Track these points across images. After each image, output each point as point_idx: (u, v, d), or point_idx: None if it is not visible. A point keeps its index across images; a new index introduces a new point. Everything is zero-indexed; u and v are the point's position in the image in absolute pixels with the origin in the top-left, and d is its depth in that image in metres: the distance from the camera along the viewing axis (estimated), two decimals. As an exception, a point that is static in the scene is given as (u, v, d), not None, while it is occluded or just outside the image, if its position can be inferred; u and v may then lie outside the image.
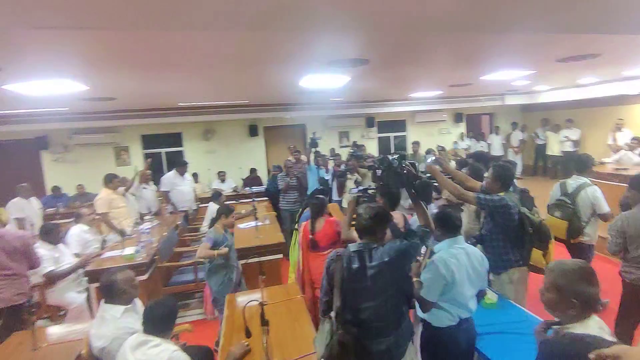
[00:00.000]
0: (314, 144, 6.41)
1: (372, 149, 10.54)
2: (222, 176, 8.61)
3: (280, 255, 4.38)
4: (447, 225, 2.31)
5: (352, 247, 2.08)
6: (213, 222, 3.86)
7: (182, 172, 6.56)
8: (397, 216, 3.03)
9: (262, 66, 3.75)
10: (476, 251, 2.34)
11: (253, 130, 9.65)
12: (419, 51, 3.51)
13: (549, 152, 9.98)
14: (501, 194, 2.82)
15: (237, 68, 3.78)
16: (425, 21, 2.11)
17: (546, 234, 2.79)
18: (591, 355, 0.99)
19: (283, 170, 6.45)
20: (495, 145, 10.64)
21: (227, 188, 8.38)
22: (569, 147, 9.20)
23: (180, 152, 9.53)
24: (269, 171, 9.78)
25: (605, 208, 3.55)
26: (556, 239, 3.52)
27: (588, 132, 9.28)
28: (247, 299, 2.94)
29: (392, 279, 1.99)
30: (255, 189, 7.98)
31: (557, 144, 9.59)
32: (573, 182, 3.74)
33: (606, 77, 7.09)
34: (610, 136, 7.66)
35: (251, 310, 2.48)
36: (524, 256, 2.84)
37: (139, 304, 2.57)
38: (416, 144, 8.30)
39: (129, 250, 4.19)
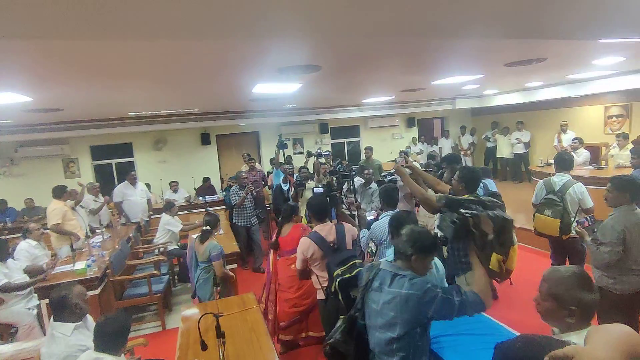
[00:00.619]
0: (283, 145, 6.35)
1: (327, 154, 10.71)
2: (174, 186, 8.37)
3: (235, 265, 4.36)
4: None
5: (385, 264, 1.98)
6: (205, 234, 3.75)
7: (132, 182, 6.33)
8: (326, 228, 3.02)
9: (212, 74, 3.74)
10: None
11: (205, 139, 9.48)
12: (370, 57, 3.65)
13: (499, 154, 10.52)
14: (466, 196, 2.79)
15: (187, 77, 3.75)
16: (376, 27, 2.24)
17: (509, 240, 2.65)
18: (546, 358, 0.97)
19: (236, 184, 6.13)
20: (446, 149, 11.12)
21: (179, 198, 8.16)
22: (520, 149, 9.85)
23: (131, 162, 9.17)
24: (222, 180, 9.67)
25: (590, 203, 3.71)
26: (547, 236, 3.71)
27: (536, 134, 9.97)
28: (202, 310, 2.92)
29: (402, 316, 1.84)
30: (208, 198, 7.85)
31: (507, 147, 10.15)
32: (557, 179, 3.89)
33: (551, 80, 7.67)
34: (555, 138, 8.39)
35: (207, 323, 2.47)
36: (483, 260, 2.69)
37: (90, 320, 2.49)
38: (369, 149, 8.47)
39: (80, 265, 4.11)
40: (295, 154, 10.33)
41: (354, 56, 3.52)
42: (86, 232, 5.29)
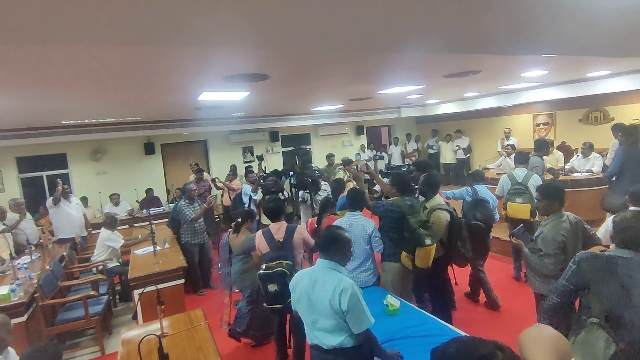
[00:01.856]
0: (260, 157, 7.00)
1: (277, 163, 10.64)
2: (115, 199, 7.86)
3: (182, 281, 4.15)
4: None
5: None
6: (238, 226, 3.86)
7: (65, 196, 5.85)
8: (276, 226, 3.30)
9: (152, 82, 3.58)
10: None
11: (149, 148, 9.02)
12: (319, 67, 3.69)
13: (442, 160, 11.02)
14: (393, 199, 3.25)
15: (127, 84, 3.55)
16: (322, 40, 2.25)
17: (417, 241, 3.07)
18: None
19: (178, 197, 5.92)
20: (395, 155, 11.52)
21: (121, 212, 7.68)
22: (461, 155, 10.41)
23: (66, 174, 8.47)
24: (168, 191, 9.25)
25: None
26: (519, 221, 4.14)
27: (475, 141, 10.62)
28: (144, 332, 2.74)
29: None
30: (153, 211, 7.45)
31: (449, 153, 10.71)
32: (519, 172, 4.54)
33: (486, 91, 8.26)
34: (499, 143, 8.97)
35: (149, 345, 2.31)
36: (397, 254, 3.28)
37: (12, 354, 2.22)
38: (331, 155, 8.41)
39: (3, 290, 3.66)
40: (245, 162, 10.14)
41: (302, 66, 3.54)
42: (10, 253, 4.76)
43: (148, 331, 2.74)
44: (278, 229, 3.24)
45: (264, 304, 3.01)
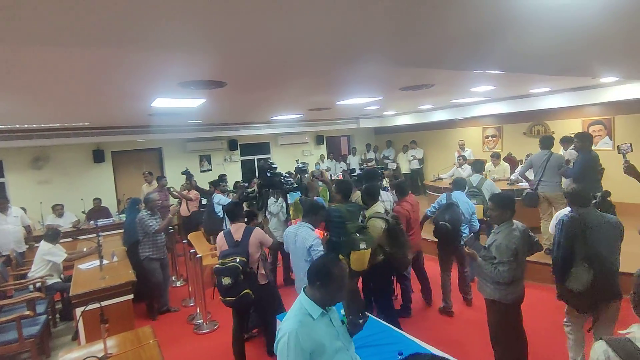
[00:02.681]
0: (187, 172, 6.98)
1: (235, 172, 10.46)
2: (58, 210, 7.30)
3: (131, 296, 3.92)
4: None
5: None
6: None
7: (2, 208, 5.38)
8: (236, 227, 3.54)
9: (102, 87, 3.39)
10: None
11: (98, 156, 8.53)
12: (277, 76, 3.67)
13: (401, 170, 11.23)
14: (336, 205, 3.50)
15: (70, 88, 3.34)
16: (279, 50, 2.23)
17: (352, 245, 3.22)
18: None
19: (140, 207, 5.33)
20: (353, 165, 11.67)
21: (65, 223, 7.15)
22: (415, 165, 10.73)
23: (1, 183, 7.80)
24: (119, 201, 8.77)
25: (498, 190, 4.83)
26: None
27: (429, 152, 11.03)
28: (85, 353, 2.54)
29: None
30: (101, 222, 7.03)
31: (405, 163, 11.03)
32: (474, 178, 5.21)
33: (440, 104, 8.62)
34: (456, 154, 9.30)
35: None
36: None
37: None
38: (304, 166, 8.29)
39: None
40: (202, 171, 9.87)
41: (261, 74, 3.51)
42: None
43: (90, 353, 2.55)
44: (237, 229, 3.45)
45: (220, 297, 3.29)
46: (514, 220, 2.85)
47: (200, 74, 3.25)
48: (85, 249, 5.15)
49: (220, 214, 5.82)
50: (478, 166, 5.55)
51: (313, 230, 3.26)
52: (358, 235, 3.22)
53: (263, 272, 3.52)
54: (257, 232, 3.49)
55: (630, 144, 3.33)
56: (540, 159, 5.16)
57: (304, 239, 3.17)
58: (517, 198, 5.27)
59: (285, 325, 1.76)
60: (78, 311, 3.72)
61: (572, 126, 7.59)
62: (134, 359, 2.51)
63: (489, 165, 7.19)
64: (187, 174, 7.35)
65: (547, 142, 5.28)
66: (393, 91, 5.42)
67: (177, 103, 4.59)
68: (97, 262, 4.35)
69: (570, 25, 1.81)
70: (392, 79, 4.43)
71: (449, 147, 10.26)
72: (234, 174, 10.40)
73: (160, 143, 9.34)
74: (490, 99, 7.92)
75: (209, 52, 2.55)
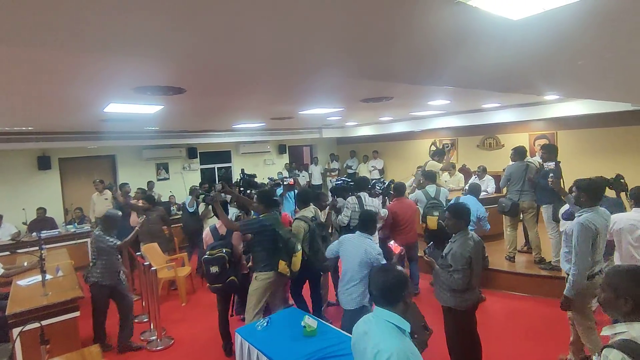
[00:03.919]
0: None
1: (194, 180, 10.16)
2: (-5, 221, 6.73)
3: (77, 314, 3.66)
4: None
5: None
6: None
7: None
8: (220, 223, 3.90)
9: (48, 90, 3.19)
10: None
11: (44, 163, 7.94)
12: (238, 84, 3.62)
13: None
14: (263, 215, 3.66)
15: (9, 90, 3.11)
16: (239, 58, 2.20)
17: (290, 250, 3.53)
18: None
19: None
20: (315, 174, 11.72)
21: (3, 235, 6.59)
22: (376, 175, 10.93)
23: None
24: (66, 211, 8.24)
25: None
26: (433, 231, 4.83)
27: (389, 162, 11.30)
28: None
29: None
30: (45, 233, 6.55)
31: (366, 173, 11.16)
32: (430, 188, 5.21)
33: (399, 116, 8.88)
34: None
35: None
36: (273, 263, 3.52)
37: None
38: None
39: None
40: (158, 179, 9.49)
41: (221, 81, 3.44)
42: None
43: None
44: (222, 225, 3.82)
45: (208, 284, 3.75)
46: (470, 231, 2.97)
47: (157, 79, 3.15)
48: (25, 264, 4.76)
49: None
50: (431, 176, 5.51)
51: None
52: (293, 239, 3.58)
53: (244, 262, 3.97)
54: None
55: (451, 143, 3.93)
56: (519, 170, 5.30)
57: (369, 249, 3.18)
58: (492, 206, 5.65)
59: (387, 345, 1.56)
60: (15, 331, 3.42)
61: (520, 140, 8.08)
62: (79, 382, 2.33)
63: (445, 176, 7.47)
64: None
65: (521, 153, 5.41)
66: (354, 102, 5.52)
67: (132, 109, 4.40)
68: (39, 278, 4.02)
69: (516, 46, 1.93)
70: (353, 90, 4.51)
71: (408, 157, 10.59)
72: (193, 183, 10.08)
73: (114, 150, 8.90)
74: (446, 113, 8.29)
75: (163, 57, 2.47)
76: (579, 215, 2.88)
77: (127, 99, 3.82)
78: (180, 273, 5.50)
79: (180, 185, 9.52)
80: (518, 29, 1.57)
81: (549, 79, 3.23)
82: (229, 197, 4.84)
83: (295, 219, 4.09)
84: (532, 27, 1.60)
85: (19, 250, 5.77)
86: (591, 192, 2.87)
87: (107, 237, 4.02)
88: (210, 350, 4.01)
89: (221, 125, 8.61)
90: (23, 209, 7.23)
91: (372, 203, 4.68)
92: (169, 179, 9.79)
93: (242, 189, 5.31)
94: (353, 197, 4.65)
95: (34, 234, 6.66)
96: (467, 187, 5.52)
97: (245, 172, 5.70)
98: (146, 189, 7.48)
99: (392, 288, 1.68)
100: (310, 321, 2.89)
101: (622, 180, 3.96)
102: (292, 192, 6.00)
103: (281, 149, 12.07)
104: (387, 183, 5.31)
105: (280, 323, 3.13)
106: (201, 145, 10.08)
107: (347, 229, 4.43)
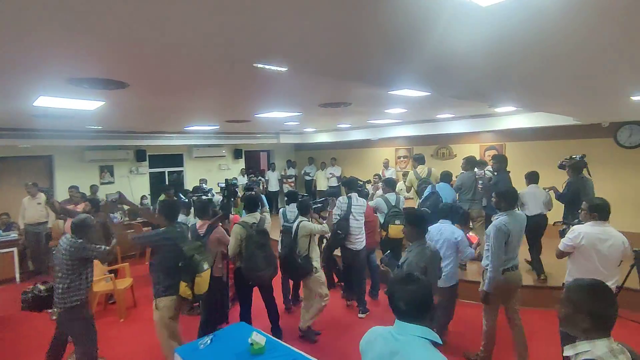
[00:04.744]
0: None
1: (142, 184, 9.58)
2: None
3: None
4: None
5: None
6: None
7: None
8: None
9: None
10: None
11: (-34, 162, 7.13)
12: (188, 82, 3.38)
13: (318, 187, 11.25)
14: (164, 228, 3.25)
15: None
16: (182, 46, 2.01)
17: (193, 268, 3.03)
18: None
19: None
20: (272, 181, 11.42)
21: None
22: (334, 183, 10.84)
23: None
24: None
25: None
26: (395, 240, 4.80)
27: (347, 170, 11.18)
28: None
29: None
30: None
31: (324, 180, 11.09)
32: (391, 196, 5.06)
33: (357, 124, 8.91)
34: (380, 172, 9.50)
35: None
36: (174, 285, 3.09)
37: None
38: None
39: None
40: (102, 183, 8.81)
41: (168, 76, 3.18)
42: None
43: None
44: (202, 225, 3.96)
45: None
46: (428, 241, 2.92)
47: (95, 70, 2.84)
48: None
49: None
50: (391, 184, 5.47)
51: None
52: (198, 256, 3.09)
53: (220, 266, 3.97)
54: (219, 230, 3.98)
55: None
56: (470, 179, 5.46)
57: (451, 232, 3.63)
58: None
59: None
60: None
61: (472, 150, 8.39)
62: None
63: (400, 184, 7.55)
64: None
65: (472, 163, 5.59)
66: (312, 107, 5.41)
67: (68, 104, 3.98)
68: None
69: (485, 36, 1.86)
70: (311, 94, 4.40)
71: (365, 165, 10.65)
72: (141, 187, 9.50)
73: (51, 150, 8.14)
74: (402, 122, 8.43)
75: (96, 41, 2.21)
76: (496, 219, 3.27)
77: (60, 92, 3.44)
78: (120, 285, 5.05)
79: (126, 189, 8.91)
80: (488, 16, 1.49)
81: (503, 89, 3.30)
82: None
83: (236, 224, 3.98)
84: (502, 16, 1.51)
85: None
86: (507, 198, 3.33)
87: (90, 245, 3.22)
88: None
89: (172, 127, 8.17)
90: (-63, 214, 6.39)
91: (361, 203, 4.87)
92: (114, 182, 9.13)
93: (225, 197, 5.17)
94: (344, 197, 4.89)
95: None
96: (439, 176, 5.65)
97: (228, 179, 5.54)
98: (84, 193, 6.86)
99: (424, 300, 1.50)
100: (258, 338, 2.69)
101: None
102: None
103: (237, 153, 11.72)
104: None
105: (226, 340, 2.90)
106: (151, 147, 9.52)
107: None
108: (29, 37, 1.96)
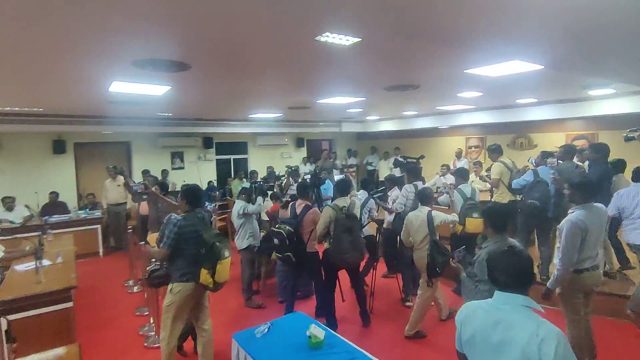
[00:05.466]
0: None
1: (210, 170, 9.97)
2: (8, 203, 6.64)
3: (70, 304, 3.41)
4: None
5: None
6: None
7: None
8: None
9: (47, 63, 2.95)
10: None
11: (59, 147, 7.85)
12: (249, 63, 3.30)
13: (381, 177, 10.86)
14: (184, 214, 3.06)
15: (10, 65, 2.89)
16: (247, 31, 1.89)
17: (216, 255, 2.90)
18: None
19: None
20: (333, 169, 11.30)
21: (16, 218, 6.50)
22: (398, 173, 10.42)
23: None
24: (80, 196, 8.16)
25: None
26: (474, 234, 4.12)
27: (411, 160, 10.78)
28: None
29: None
30: (55, 218, 6.44)
31: (386, 170, 10.71)
32: (465, 188, 4.61)
33: (424, 111, 8.40)
34: (451, 163, 9.00)
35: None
36: (193, 272, 2.93)
37: None
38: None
39: None
40: (173, 168, 9.32)
41: (228, 57, 3.11)
42: None
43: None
44: (299, 205, 4.20)
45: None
46: (509, 238, 2.51)
47: (158, 51, 2.84)
48: (27, 248, 4.58)
49: None
50: (464, 174, 4.89)
51: None
52: (219, 244, 2.96)
53: (314, 242, 4.12)
54: (314, 211, 4.18)
55: None
56: (569, 170, 4.55)
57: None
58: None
59: (546, 331, 1.44)
60: (2, 320, 3.20)
61: (556, 139, 7.47)
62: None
63: (471, 176, 6.96)
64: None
65: (571, 152, 4.78)
66: (378, 91, 5.11)
67: (137, 89, 4.13)
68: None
69: None
70: (378, 76, 4.12)
71: (432, 155, 10.02)
72: (209, 173, 9.89)
73: (129, 137, 8.75)
74: (475, 108, 7.75)
75: (163, 22, 2.16)
76: (571, 213, 2.92)
77: (129, 76, 3.54)
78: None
79: (195, 175, 9.33)
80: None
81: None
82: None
83: (327, 206, 4.02)
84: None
85: (26, 235, 5.63)
86: (583, 190, 2.94)
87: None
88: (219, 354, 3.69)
89: (237, 114, 8.33)
90: (35, 192, 7.15)
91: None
92: (184, 168, 9.61)
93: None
94: (409, 185, 4.71)
95: (45, 218, 6.56)
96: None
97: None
98: (156, 176, 7.26)
99: (526, 271, 1.58)
100: (316, 331, 2.53)
101: None
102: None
103: (299, 142, 11.74)
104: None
105: (283, 330, 2.79)
106: (217, 135, 9.85)
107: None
108: (101, 23, 1.96)
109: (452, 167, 8.91)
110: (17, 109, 5.92)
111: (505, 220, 2.53)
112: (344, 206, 3.90)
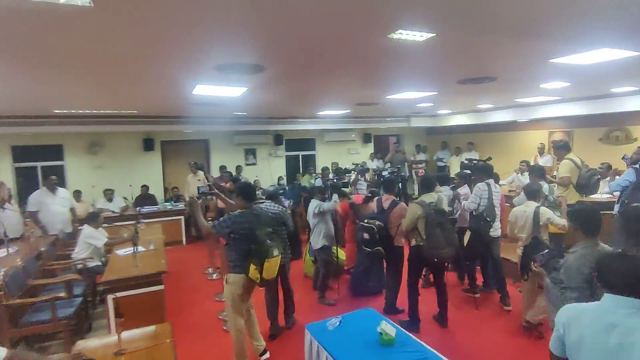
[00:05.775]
0: None
1: (279, 167, 10.35)
2: (109, 194, 7.58)
3: (161, 287, 3.82)
4: None
5: None
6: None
7: (51, 189, 5.58)
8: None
9: (139, 69, 3.30)
10: None
11: (148, 144, 8.76)
12: (319, 62, 3.38)
13: (452, 173, 10.55)
14: (240, 210, 3.24)
15: (109, 71, 3.29)
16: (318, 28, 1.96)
17: (264, 253, 3.05)
18: None
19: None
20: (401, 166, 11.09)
21: (114, 208, 7.39)
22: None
23: (61, 166, 8.24)
24: (166, 189, 8.98)
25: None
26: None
27: (485, 155, 10.16)
28: (101, 345, 2.42)
29: None
30: (146, 209, 7.17)
31: (459, 166, 10.30)
32: (546, 187, 4.55)
33: (501, 103, 7.88)
34: (532, 159, 8.47)
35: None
36: (244, 266, 3.10)
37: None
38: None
39: None
40: (247, 164, 9.85)
41: (300, 58, 3.22)
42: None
43: (105, 345, 2.42)
44: (386, 199, 4.28)
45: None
46: (600, 242, 2.29)
47: (236, 56, 3.04)
48: (125, 235, 5.18)
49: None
50: (540, 172, 4.51)
51: None
52: (269, 242, 3.12)
53: (401, 237, 4.17)
54: (402, 206, 4.22)
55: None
56: None
57: None
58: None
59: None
60: (109, 298, 3.69)
61: (661, 132, 6.56)
62: (147, 358, 2.32)
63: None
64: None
65: None
66: (450, 85, 4.91)
67: (218, 91, 4.45)
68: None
69: None
70: (451, 68, 3.95)
71: (509, 151, 9.40)
72: (279, 169, 10.29)
73: (207, 135, 9.43)
74: (560, 99, 7.08)
75: (244, 31, 2.31)
76: None
77: (211, 79, 3.83)
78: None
79: (266, 171, 9.79)
80: None
81: None
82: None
83: (413, 202, 3.99)
84: None
85: (123, 223, 6.37)
86: None
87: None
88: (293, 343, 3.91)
89: (306, 112, 8.55)
90: (130, 185, 8.02)
91: (498, 189, 4.62)
92: (256, 164, 10.11)
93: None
94: (482, 184, 4.50)
95: (138, 208, 7.36)
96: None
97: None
98: (231, 172, 7.74)
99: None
100: (387, 328, 2.55)
101: None
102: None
103: (366, 138, 11.69)
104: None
105: (354, 325, 2.85)
106: (287, 132, 10.20)
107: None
108: (186, 33, 2.15)
109: (533, 164, 8.24)
110: (116, 111, 6.69)
111: (598, 223, 2.31)
112: (432, 202, 3.88)
